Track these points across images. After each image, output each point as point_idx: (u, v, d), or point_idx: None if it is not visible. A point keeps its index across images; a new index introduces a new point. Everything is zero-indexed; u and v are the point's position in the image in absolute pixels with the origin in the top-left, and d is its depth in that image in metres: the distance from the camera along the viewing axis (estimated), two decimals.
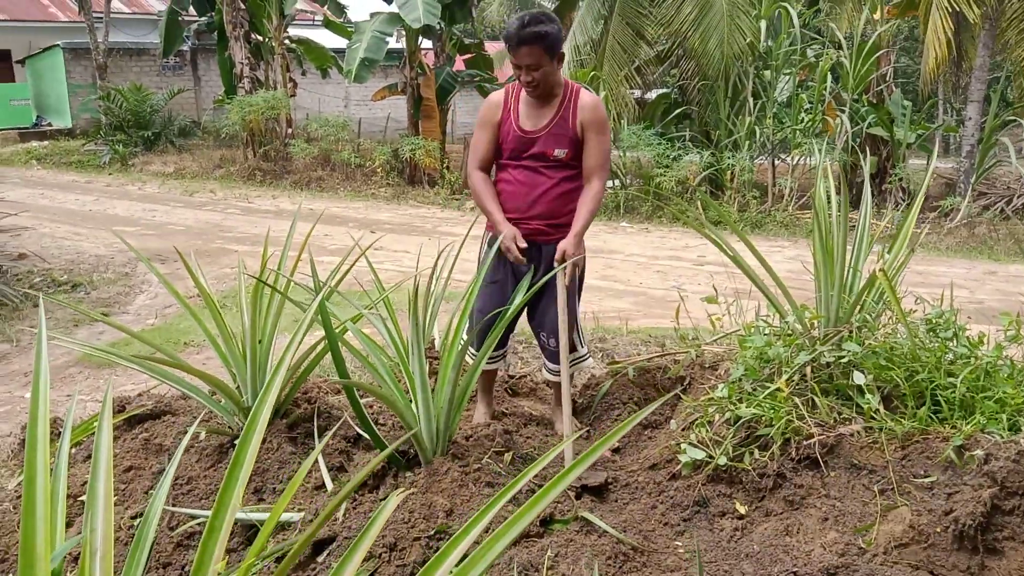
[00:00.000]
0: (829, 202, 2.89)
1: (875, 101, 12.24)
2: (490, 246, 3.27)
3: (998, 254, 9.48)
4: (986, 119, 11.42)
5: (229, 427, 3.05)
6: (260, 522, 2.53)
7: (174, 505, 2.70)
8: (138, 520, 2.70)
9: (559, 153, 3.18)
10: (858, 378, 2.49)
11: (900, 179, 11.58)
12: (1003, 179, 12.86)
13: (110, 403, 1.53)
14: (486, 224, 3.38)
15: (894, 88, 12.96)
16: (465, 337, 3.27)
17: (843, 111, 11.47)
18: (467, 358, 3.27)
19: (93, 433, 3.34)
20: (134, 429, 3.34)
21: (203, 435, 3.00)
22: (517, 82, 3.19)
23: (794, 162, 11.74)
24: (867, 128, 11.65)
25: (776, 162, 12.04)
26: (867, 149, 11.38)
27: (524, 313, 3.39)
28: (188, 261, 3.41)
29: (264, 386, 1.40)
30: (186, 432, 3.13)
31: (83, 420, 3.59)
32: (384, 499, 2.54)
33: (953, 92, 16.99)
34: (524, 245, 3.13)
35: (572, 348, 3.37)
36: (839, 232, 2.91)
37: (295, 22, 17.35)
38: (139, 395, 3.71)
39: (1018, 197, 11.51)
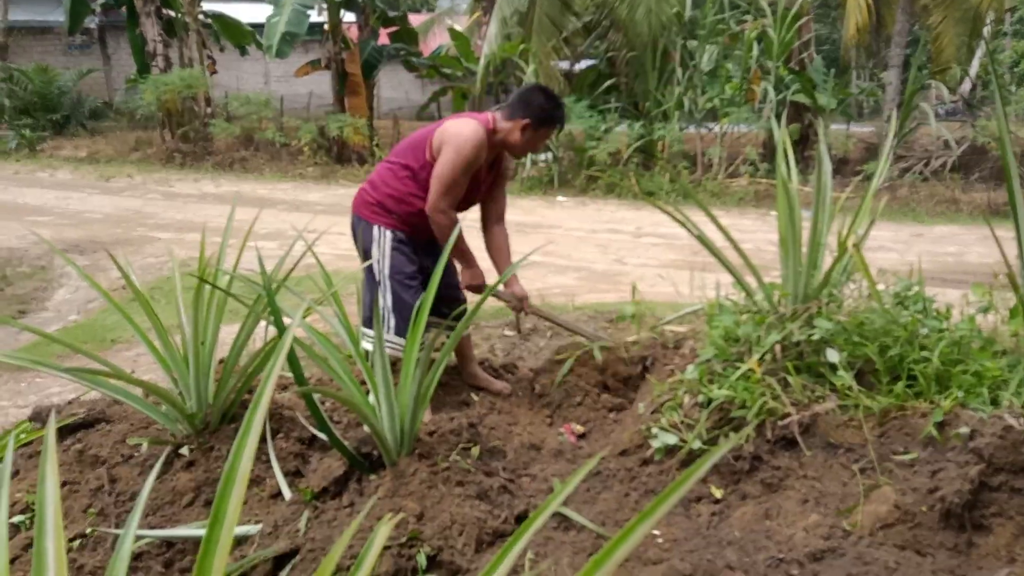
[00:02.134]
0: (790, 177, 2.84)
1: (797, 69, 12.42)
2: (402, 244, 3.33)
3: (921, 216, 9.76)
4: (905, 83, 11.70)
5: (172, 435, 2.85)
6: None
7: (118, 524, 2.51)
8: (77, 542, 2.50)
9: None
10: (831, 355, 2.46)
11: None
12: (920, 142, 13.27)
13: (53, 434, 1.35)
14: (382, 223, 3.34)
15: (814, 56, 13.17)
16: (394, 336, 3.32)
17: (768, 79, 11.60)
18: (392, 351, 3.22)
19: (18, 447, 3.10)
20: (66, 440, 3.09)
21: (144, 446, 2.79)
22: (490, 127, 3.21)
23: (722, 131, 11.84)
24: (791, 96, 11.81)
25: (704, 131, 12.13)
26: (801, 116, 11.54)
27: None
28: (115, 255, 3.16)
29: (254, 401, 1.27)
30: (124, 441, 2.93)
31: (4, 430, 3.34)
32: (348, 506, 2.40)
33: (867, 58, 17.41)
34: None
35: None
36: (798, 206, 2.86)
37: None
38: (69, 402, 3.45)
39: (936, 159, 11.88)
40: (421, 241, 3.38)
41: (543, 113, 3.19)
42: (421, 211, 3.26)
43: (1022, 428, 2.04)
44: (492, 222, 3.55)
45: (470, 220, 3.44)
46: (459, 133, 3.12)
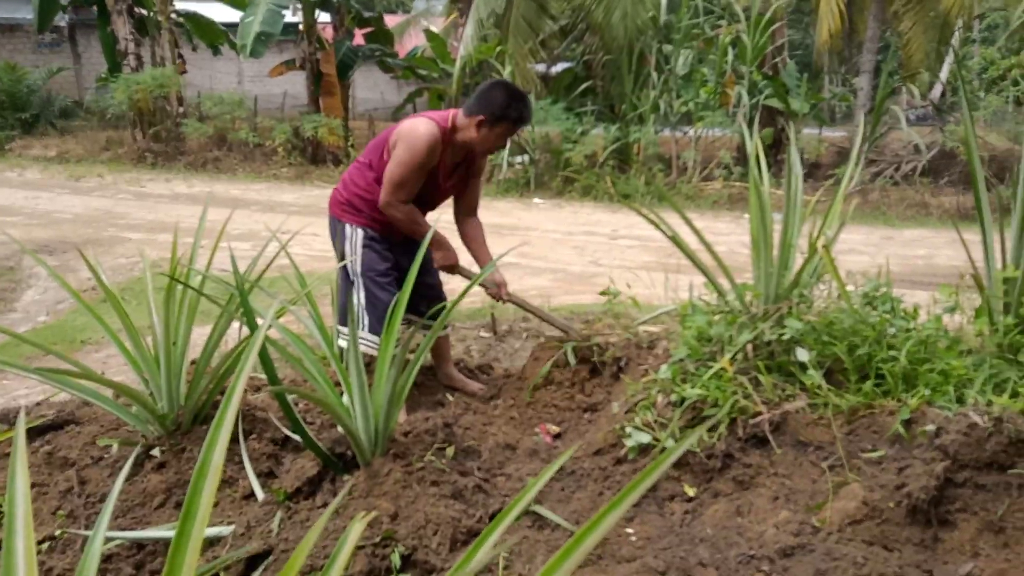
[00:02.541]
0: (762, 179, 2.87)
1: (771, 73, 12.54)
2: (373, 241, 3.36)
3: (892, 219, 9.90)
4: (877, 89, 11.85)
5: (143, 436, 2.82)
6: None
7: (87, 526, 2.48)
8: (46, 545, 2.46)
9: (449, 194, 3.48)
10: (802, 354, 2.49)
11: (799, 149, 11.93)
12: (891, 146, 13.45)
13: (23, 433, 1.34)
14: (353, 221, 3.39)
15: (787, 60, 13.32)
16: (368, 334, 3.34)
17: (742, 84, 11.71)
18: (366, 349, 3.27)
19: None
20: (34, 442, 3.05)
21: (115, 448, 2.76)
22: (447, 126, 3.19)
23: (696, 135, 11.93)
24: (764, 100, 11.93)
25: (679, 135, 12.22)
26: (775, 120, 11.65)
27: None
28: (86, 254, 3.12)
29: (227, 394, 1.27)
30: (94, 443, 2.90)
31: None
32: (322, 507, 2.39)
33: (839, 63, 17.64)
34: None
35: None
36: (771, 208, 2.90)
37: None
38: (37, 404, 3.40)
39: (906, 163, 12.05)
40: (396, 240, 3.38)
41: (499, 110, 3.11)
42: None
43: (986, 425, 2.09)
44: (464, 215, 3.55)
45: (444, 220, 3.44)
46: (412, 132, 3.12)
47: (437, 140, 3.13)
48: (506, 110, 3.12)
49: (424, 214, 3.39)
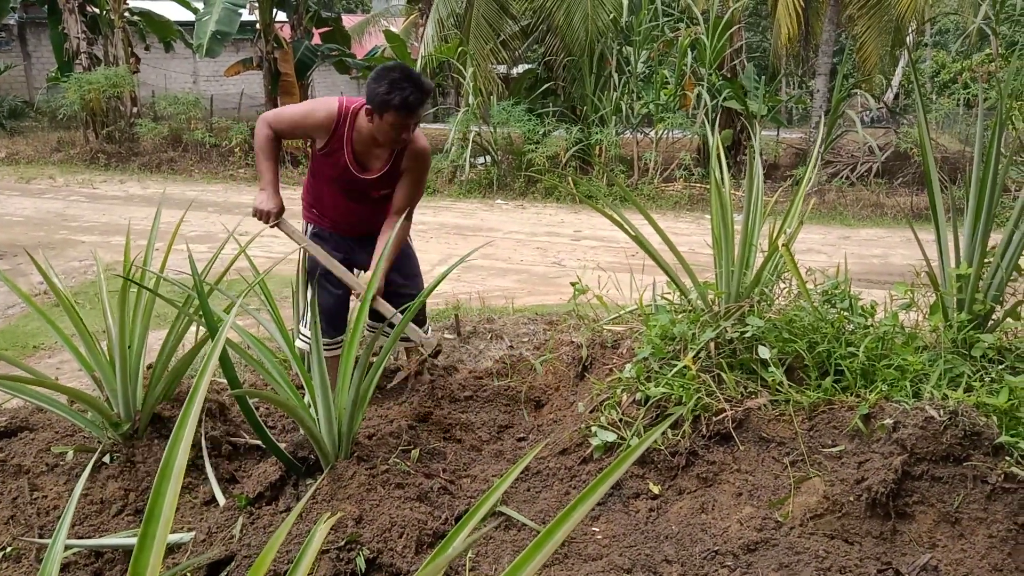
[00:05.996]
0: (723, 179, 2.90)
1: (729, 75, 12.69)
2: (319, 239, 3.35)
3: (848, 219, 10.07)
4: (833, 91, 12.06)
5: (99, 441, 2.76)
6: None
7: (41, 535, 2.41)
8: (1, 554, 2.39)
9: (384, 193, 3.25)
10: (763, 352, 2.52)
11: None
12: (847, 148, 13.70)
13: None
14: (305, 218, 3.43)
15: (746, 63, 13.49)
16: (307, 332, 3.35)
17: (701, 85, 11.83)
18: (301, 345, 3.40)
19: None
20: None
21: (70, 454, 2.69)
22: (349, 111, 3.06)
23: (657, 136, 12.03)
24: (723, 102, 12.06)
25: (640, 136, 12.30)
26: (733, 122, 11.78)
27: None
28: (36, 257, 3.04)
29: (190, 394, 1.24)
30: (48, 450, 2.83)
31: None
32: (285, 511, 2.36)
33: (797, 66, 17.92)
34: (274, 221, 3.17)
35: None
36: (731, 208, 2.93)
37: None
38: None
39: (862, 164, 12.28)
40: (346, 234, 3.39)
41: (376, 97, 2.89)
42: (324, 196, 3.29)
43: (942, 419, 2.13)
44: (389, 213, 3.34)
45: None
46: (318, 100, 3.17)
47: (332, 115, 3.03)
48: (387, 97, 2.87)
49: (350, 203, 3.28)
